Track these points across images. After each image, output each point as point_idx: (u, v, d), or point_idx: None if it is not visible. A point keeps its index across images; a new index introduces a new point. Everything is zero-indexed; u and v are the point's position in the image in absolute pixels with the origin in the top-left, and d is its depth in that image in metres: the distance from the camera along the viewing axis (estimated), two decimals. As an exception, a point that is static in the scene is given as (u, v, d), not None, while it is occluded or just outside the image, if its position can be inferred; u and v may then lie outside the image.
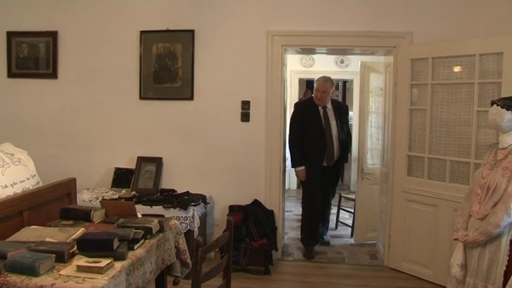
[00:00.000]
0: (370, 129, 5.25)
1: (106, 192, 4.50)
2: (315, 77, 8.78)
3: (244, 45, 4.56)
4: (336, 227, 5.88)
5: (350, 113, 6.59)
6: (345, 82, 9.32)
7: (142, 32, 4.65)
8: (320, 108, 4.85)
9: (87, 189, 4.58)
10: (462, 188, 3.62)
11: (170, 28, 4.60)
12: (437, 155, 4.03)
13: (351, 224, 5.63)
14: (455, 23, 4.21)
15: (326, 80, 4.88)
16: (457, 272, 2.86)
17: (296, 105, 5.23)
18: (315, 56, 7.56)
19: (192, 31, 4.58)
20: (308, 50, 5.41)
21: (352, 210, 5.64)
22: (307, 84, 9.02)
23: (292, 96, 7.65)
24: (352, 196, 5.97)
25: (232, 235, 2.64)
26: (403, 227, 4.30)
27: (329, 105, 4.90)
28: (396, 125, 4.36)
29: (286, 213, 5.39)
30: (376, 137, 5.27)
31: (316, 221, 4.95)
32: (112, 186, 4.70)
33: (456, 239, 2.92)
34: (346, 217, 6.06)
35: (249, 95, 4.59)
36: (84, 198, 4.28)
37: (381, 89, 5.05)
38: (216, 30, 4.57)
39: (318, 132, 4.78)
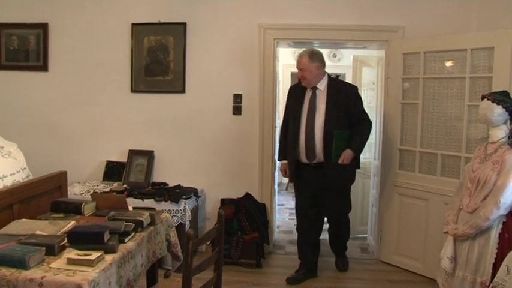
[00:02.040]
0: (362, 123, 5.24)
1: (97, 186, 4.49)
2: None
3: (236, 38, 4.54)
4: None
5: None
6: (337, 76, 9.33)
7: (134, 25, 4.61)
8: (308, 90, 3.90)
9: (78, 182, 4.55)
10: (453, 182, 3.65)
11: (162, 21, 4.57)
12: (428, 149, 4.05)
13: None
14: (447, 17, 4.22)
15: (302, 55, 3.83)
16: (447, 265, 2.89)
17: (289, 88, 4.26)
18: (307, 50, 7.53)
19: (184, 24, 4.55)
20: (300, 44, 5.37)
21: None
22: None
23: (285, 90, 7.62)
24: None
25: (223, 228, 2.64)
26: (394, 220, 4.32)
27: (321, 87, 3.86)
28: (388, 119, 4.37)
29: (278, 207, 5.40)
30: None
31: (305, 237, 4.08)
32: (103, 180, 4.68)
33: (446, 232, 2.95)
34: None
35: (241, 88, 4.58)
36: (75, 191, 4.27)
37: (373, 83, 5.06)
38: (208, 23, 4.55)
39: (295, 119, 3.91)
